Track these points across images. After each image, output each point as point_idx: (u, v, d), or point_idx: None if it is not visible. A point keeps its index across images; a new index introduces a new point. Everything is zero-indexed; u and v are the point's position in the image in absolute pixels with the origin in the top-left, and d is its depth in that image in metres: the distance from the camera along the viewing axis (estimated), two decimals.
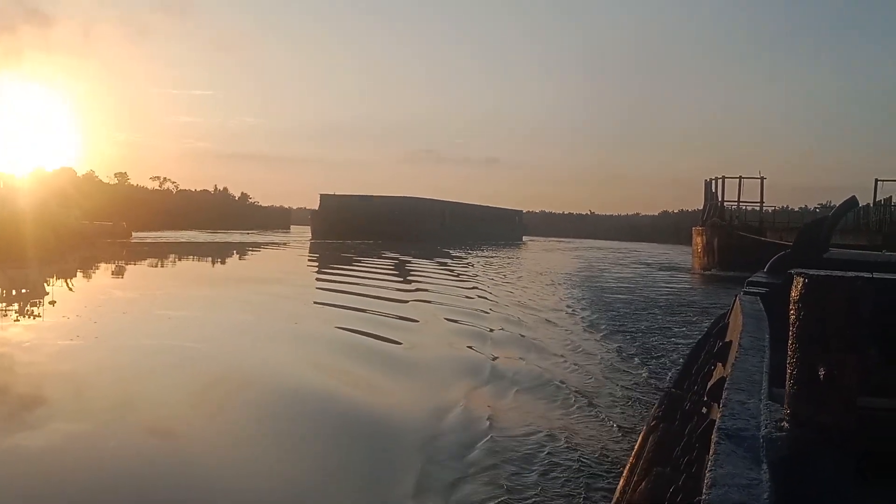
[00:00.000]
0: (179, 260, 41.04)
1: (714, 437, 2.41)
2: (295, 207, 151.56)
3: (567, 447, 7.81)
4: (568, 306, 22.20)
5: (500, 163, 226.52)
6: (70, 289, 22.55)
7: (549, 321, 18.63)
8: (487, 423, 8.63)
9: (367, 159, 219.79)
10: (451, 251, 61.88)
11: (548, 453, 7.62)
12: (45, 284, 23.00)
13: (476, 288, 27.45)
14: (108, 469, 6.76)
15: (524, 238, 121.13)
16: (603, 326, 17.54)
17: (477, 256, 56.51)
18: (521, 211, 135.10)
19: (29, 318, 16.04)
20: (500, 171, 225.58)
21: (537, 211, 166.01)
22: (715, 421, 2.68)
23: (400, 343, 14.22)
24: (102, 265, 33.45)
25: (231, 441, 7.77)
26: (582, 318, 19.35)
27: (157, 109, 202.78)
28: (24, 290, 21.73)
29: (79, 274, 28.80)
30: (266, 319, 17.49)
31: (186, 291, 23.91)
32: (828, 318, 2.52)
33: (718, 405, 2.91)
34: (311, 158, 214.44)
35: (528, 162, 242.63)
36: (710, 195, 43.79)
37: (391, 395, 10.13)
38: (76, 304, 18.25)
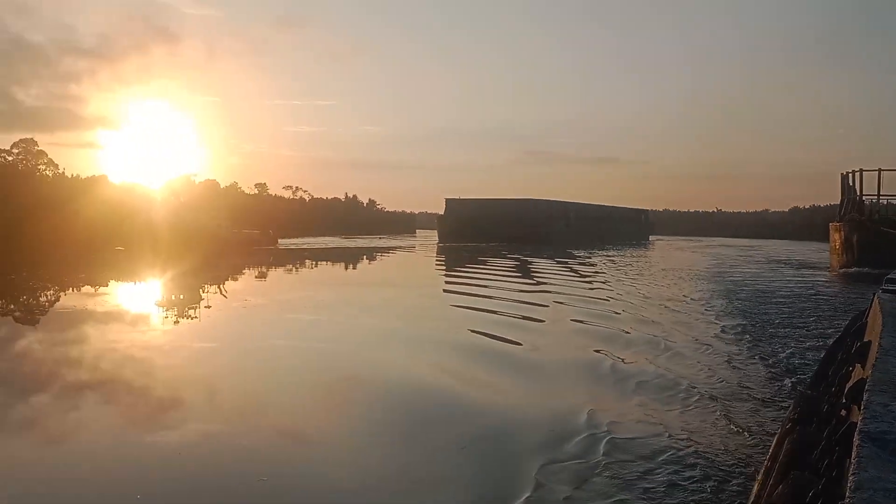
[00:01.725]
0: (319, 265, 42.51)
1: (856, 441, 2.33)
2: (417, 212, 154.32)
3: (695, 450, 7.55)
4: (701, 306, 21.46)
5: (619, 161, 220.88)
6: (224, 295, 23.51)
7: (681, 321, 18.04)
8: (609, 426, 8.42)
9: (483, 162, 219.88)
10: (576, 252, 61.16)
11: (674, 456, 7.39)
12: (200, 290, 24.51)
13: (603, 288, 27.02)
14: (240, 468, 6.99)
15: (650, 238, 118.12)
16: (736, 327, 16.86)
17: (603, 257, 55.58)
18: (647, 210, 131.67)
19: (175, 322, 17.11)
20: (619, 170, 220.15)
21: (660, 209, 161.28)
22: (856, 423, 2.58)
23: (521, 344, 14.13)
24: (254, 271, 34.99)
25: (355, 441, 7.91)
26: (715, 317, 18.61)
27: (281, 120, 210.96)
28: (180, 296, 23.21)
29: (232, 280, 30.27)
30: (394, 321, 17.79)
31: (324, 294, 24.65)
32: None
33: (859, 407, 2.80)
34: (428, 163, 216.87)
35: (648, 160, 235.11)
36: (847, 189, 41.15)
37: (512, 397, 10.04)
38: (225, 308, 19.31)
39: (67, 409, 9.17)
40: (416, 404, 9.61)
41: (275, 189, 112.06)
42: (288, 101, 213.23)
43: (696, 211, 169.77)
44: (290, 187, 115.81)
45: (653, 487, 6.59)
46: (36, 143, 63.09)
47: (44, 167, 62.71)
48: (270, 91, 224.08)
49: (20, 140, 62.72)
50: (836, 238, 40.36)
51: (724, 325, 17.08)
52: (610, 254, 61.26)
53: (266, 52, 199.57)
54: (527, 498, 6.33)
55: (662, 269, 41.24)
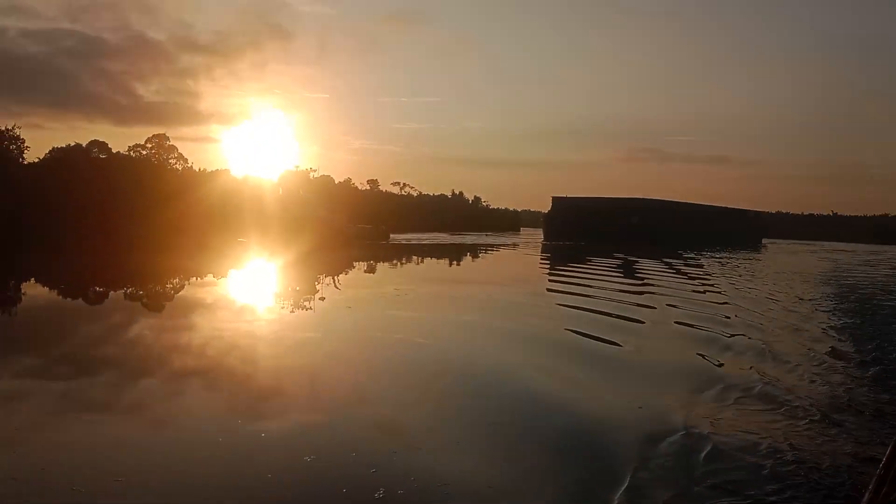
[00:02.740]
0: (427, 260, 42.97)
1: None
2: (520, 209, 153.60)
3: (796, 460, 7.21)
4: (814, 311, 20.51)
5: (730, 161, 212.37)
6: (337, 287, 24.01)
7: (791, 326, 17.31)
8: (708, 431, 8.14)
9: (590, 159, 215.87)
10: (685, 253, 59.46)
11: (776, 464, 7.09)
12: (316, 282, 25.30)
13: (710, 291, 26.21)
14: (339, 459, 7.05)
15: (763, 241, 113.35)
16: (850, 335, 16.06)
17: (712, 259, 53.84)
18: (760, 212, 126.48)
19: (287, 312, 17.69)
20: (729, 170, 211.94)
21: (773, 211, 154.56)
22: None
23: (620, 345, 13.86)
24: (368, 265, 35.61)
25: (451, 436, 7.93)
26: (828, 324, 17.75)
27: (389, 117, 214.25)
28: (297, 288, 24.06)
29: (347, 272, 30.95)
30: (495, 318, 17.69)
31: (430, 289, 24.79)
32: None
33: None
34: (533, 161, 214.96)
35: (761, 160, 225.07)
36: None
37: (608, 398, 9.84)
38: (340, 300, 19.80)
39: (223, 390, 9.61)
40: (512, 401, 9.52)
41: (383, 185, 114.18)
42: (395, 98, 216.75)
43: (810, 214, 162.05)
44: (398, 183, 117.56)
45: (754, 495, 6.37)
46: (167, 138, 66.58)
47: (174, 161, 66.18)
48: (379, 87, 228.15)
49: (153, 135, 66.32)
50: None
51: (837, 333, 16.28)
52: (720, 256, 59.26)
53: (375, 48, 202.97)
54: (621, 496, 6.27)
55: (775, 272, 39.60)
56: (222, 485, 6.27)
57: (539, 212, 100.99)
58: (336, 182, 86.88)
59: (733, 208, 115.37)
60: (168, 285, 23.98)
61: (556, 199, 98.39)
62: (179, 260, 32.52)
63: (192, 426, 8.00)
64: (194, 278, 26.30)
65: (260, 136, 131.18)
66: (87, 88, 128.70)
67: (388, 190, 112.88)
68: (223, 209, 53.43)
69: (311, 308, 17.83)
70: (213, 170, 66.98)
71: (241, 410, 8.48)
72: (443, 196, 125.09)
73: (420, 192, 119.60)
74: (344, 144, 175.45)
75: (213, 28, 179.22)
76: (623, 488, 6.43)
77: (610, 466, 7.02)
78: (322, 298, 19.53)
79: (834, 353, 13.72)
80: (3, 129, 54.77)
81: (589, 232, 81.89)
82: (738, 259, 56.17)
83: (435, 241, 63.83)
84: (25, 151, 56.56)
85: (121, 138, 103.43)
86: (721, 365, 12.22)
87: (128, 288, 22.93)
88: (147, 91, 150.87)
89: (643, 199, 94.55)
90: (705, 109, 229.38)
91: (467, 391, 10.05)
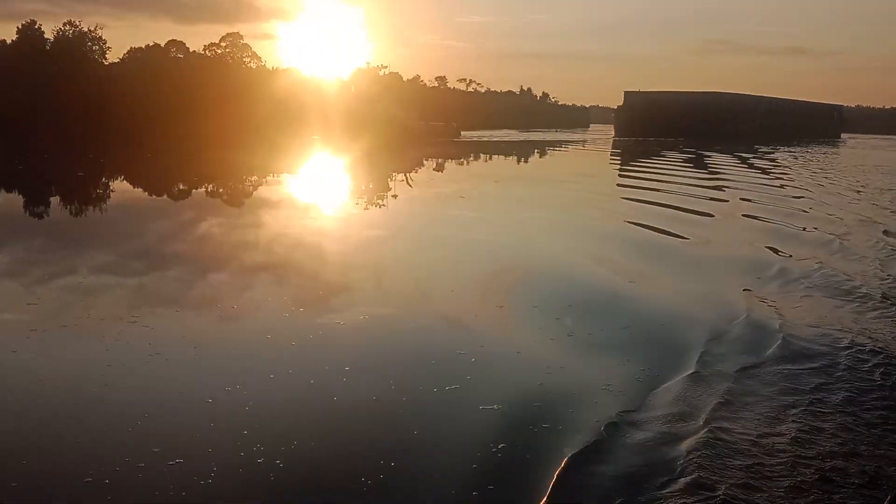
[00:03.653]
0: (499, 157, 42.60)
1: None
2: (588, 105, 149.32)
3: (872, 349, 7.03)
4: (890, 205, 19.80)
5: (807, 53, 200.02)
6: (409, 185, 23.99)
7: (868, 220, 16.70)
8: (776, 323, 7.92)
9: (661, 52, 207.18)
10: (760, 147, 57.45)
11: (850, 352, 6.93)
12: (388, 179, 25.47)
13: (787, 186, 25.40)
14: (406, 345, 7.19)
15: (842, 136, 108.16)
16: None
17: (788, 153, 51.91)
18: (841, 106, 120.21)
19: (356, 209, 17.90)
20: (809, 62, 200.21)
21: (853, 106, 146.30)
22: None
23: (688, 238, 13.62)
24: (436, 161, 35.47)
25: (513, 327, 7.93)
26: None
27: (453, 10, 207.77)
28: (371, 185, 24.32)
29: (417, 170, 30.83)
30: (561, 214, 17.64)
31: (499, 187, 24.70)
32: None
33: None
34: (600, 54, 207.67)
35: (840, 50, 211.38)
36: None
37: (672, 289, 9.72)
38: (406, 197, 19.86)
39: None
40: (576, 293, 9.45)
41: (451, 81, 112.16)
42: None
43: (893, 107, 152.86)
44: (465, 80, 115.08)
45: (823, 383, 6.20)
46: (241, 37, 66.36)
47: (248, 59, 66.32)
48: None
49: (227, 34, 66.16)
50: None
51: None
52: (796, 150, 57.06)
53: None
54: (691, 374, 6.29)
55: (853, 167, 38.08)
56: (295, 374, 6.30)
57: (608, 107, 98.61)
58: (404, 79, 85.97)
59: (813, 102, 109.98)
60: (253, 182, 24.44)
61: (628, 94, 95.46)
62: (258, 158, 32.97)
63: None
64: (275, 175, 26.84)
65: (322, 32, 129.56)
66: None
67: (456, 87, 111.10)
68: (295, 107, 53.75)
69: (384, 205, 17.96)
70: (284, 68, 66.95)
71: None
72: (511, 93, 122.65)
73: (488, 89, 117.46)
74: (410, 40, 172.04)
75: None
76: (691, 366, 6.45)
77: (680, 349, 7.01)
78: (395, 196, 19.65)
79: None
80: (86, 29, 55.62)
81: (662, 127, 79.52)
82: (814, 153, 53.98)
83: (505, 139, 63.14)
84: (108, 52, 57.57)
85: (183, 36, 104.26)
86: (790, 257, 11.97)
87: (210, 185, 23.42)
88: None
89: (717, 92, 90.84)
90: None
91: (527, 284, 9.93)
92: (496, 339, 7.49)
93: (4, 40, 55.11)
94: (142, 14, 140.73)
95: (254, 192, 21.62)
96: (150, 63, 57.13)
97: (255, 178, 25.72)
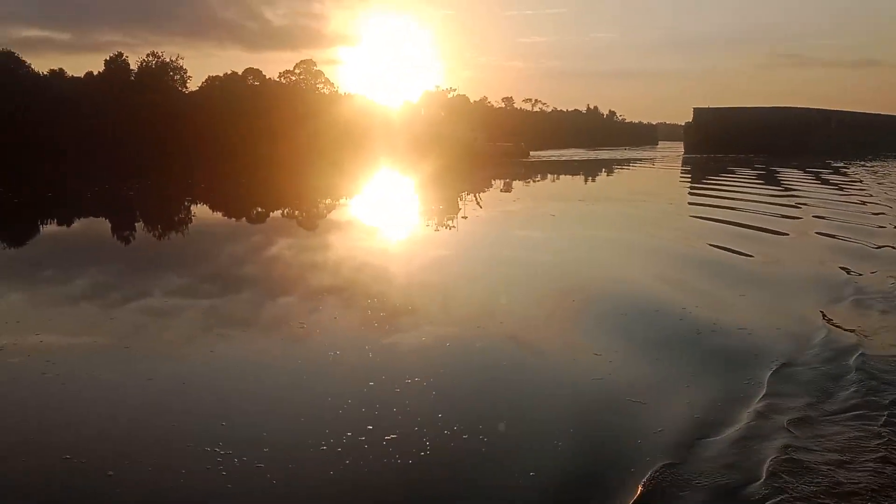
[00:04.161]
0: (567, 177, 42.28)
1: None
2: (655, 122, 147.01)
3: None
4: None
5: (880, 64, 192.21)
6: (479, 205, 24.02)
7: None
8: (856, 343, 7.76)
9: (725, 68, 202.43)
10: (833, 162, 55.66)
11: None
12: (458, 200, 25.66)
13: (865, 203, 24.59)
14: (472, 365, 7.28)
15: None
16: None
17: (863, 168, 50.12)
18: None
19: (436, 230, 17.88)
20: (882, 74, 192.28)
21: None
22: None
23: (758, 258, 13.34)
24: (506, 182, 35.62)
25: (579, 348, 7.93)
26: None
27: (514, 31, 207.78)
28: (440, 206, 24.54)
29: (489, 191, 30.96)
30: (630, 233, 17.37)
31: (572, 207, 24.43)
32: None
33: None
34: (667, 71, 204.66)
35: None
36: None
37: (740, 311, 9.43)
38: (480, 217, 20.01)
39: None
40: (643, 314, 9.32)
41: (516, 102, 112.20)
42: (520, 12, 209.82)
43: None
44: (530, 100, 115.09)
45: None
46: (314, 63, 68.38)
47: (322, 85, 68.07)
48: (502, 2, 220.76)
49: (301, 61, 68.20)
50: None
51: None
52: (871, 165, 55.03)
53: None
54: (762, 403, 6.15)
55: None
56: (360, 396, 6.36)
57: (675, 124, 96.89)
58: (472, 101, 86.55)
59: (886, 115, 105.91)
60: (326, 205, 24.95)
61: (697, 111, 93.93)
62: (339, 181, 33.75)
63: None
64: (348, 198, 27.48)
65: (385, 56, 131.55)
66: (219, 15, 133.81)
67: (522, 107, 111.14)
68: (367, 131, 54.82)
69: (454, 227, 17.97)
70: (354, 93, 68.43)
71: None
72: (577, 111, 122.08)
73: (554, 108, 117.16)
74: (470, 61, 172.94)
75: None
76: (761, 394, 6.34)
77: (748, 374, 6.91)
78: (464, 217, 19.73)
79: None
80: (168, 59, 58.16)
81: (731, 143, 77.91)
82: (891, 168, 51.96)
83: (573, 158, 62.81)
84: (188, 81, 59.97)
85: (251, 63, 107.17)
86: (862, 276, 11.60)
87: (289, 209, 23.85)
88: (274, 15, 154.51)
89: (787, 108, 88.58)
90: (853, 8, 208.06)
91: (592, 306, 9.86)
92: (561, 359, 7.56)
93: (91, 72, 58.14)
94: (211, 43, 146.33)
95: (343, 215, 22.02)
96: (229, 90, 59.20)
97: (340, 200, 26.45)
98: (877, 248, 14.57)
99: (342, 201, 26.59)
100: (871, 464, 4.95)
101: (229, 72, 63.89)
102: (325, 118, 54.26)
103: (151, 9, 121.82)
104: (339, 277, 11.81)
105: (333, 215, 21.77)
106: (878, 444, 5.28)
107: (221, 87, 60.75)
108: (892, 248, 14.54)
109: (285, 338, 8.22)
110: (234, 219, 21.92)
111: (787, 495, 4.52)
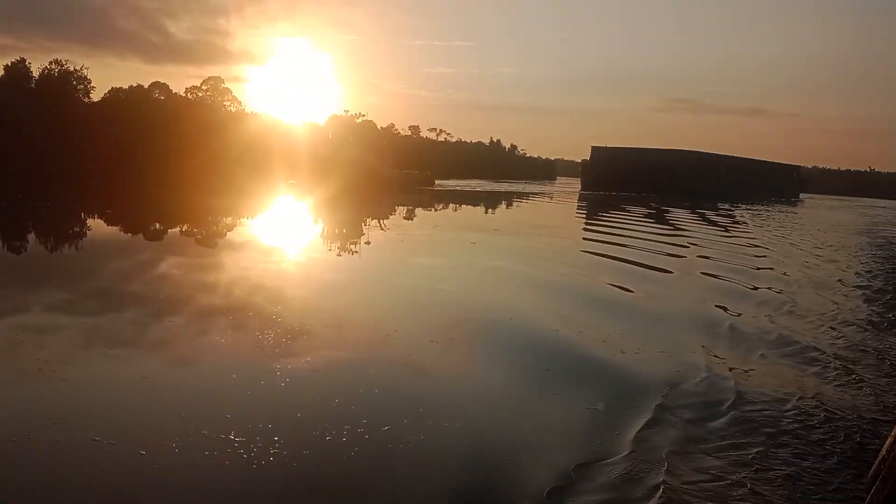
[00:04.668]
0: (471, 207, 42.40)
1: None
2: (554, 158, 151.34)
3: (818, 405, 7.25)
4: (853, 272, 20.01)
5: (766, 113, 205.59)
6: (382, 228, 24.06)
7: (821, 282, 17.07)
8: (733, 384, 8.07)
9: (625, 108, 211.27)
10: (721, 205, 58.68)
11: (800, 416, 7.06)
12: (362, 225, 25.47)
13: (744, 244, 25.99)
14: (363, 391, 7.15)
15: (801, 195, 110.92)
16: (882, 290, 15.95)
17: (748, 211, 53.04)
18: (799, 167, 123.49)
19: (320, 254, 17.73)
20: (764, 123, 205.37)
21: (809, 166, 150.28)
22: None
23: (641, 294, 13.74)
24: (410, 209, 35.47)
25: (467, 376, 8.05)
26: (865, 283, 17.45)
27: (420, 61, 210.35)
28: (343, 230, 24.32)
29: (392, 217, 30.57)
30: (525, 265, 17.60)
31: (470, 236, 24.28)
32: None
33: None
34: (565, 108, 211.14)
35: (797, 112, 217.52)
36: None
37: (620, 346, 9.65)
38: (383, 243, 19.82)
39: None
40: (529, 346, 9.54)
41: (422, 131, 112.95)
42: (427, 42, 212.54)
43: (847, 169, 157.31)
44: (435, 129, 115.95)
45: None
46: (222, 81, 66.93)
47: (228, 103, 66.59)
48: (410, 30, 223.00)
49: (209, 78, 66.65)
50: None
51: (865, 290, 16.13)
52: (756, 209, 58.33)
53: None
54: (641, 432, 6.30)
55: (811, 227, 39.10)
56: (248, 420, 6.27)
57: (573, 160, 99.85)
58: (379, 127, 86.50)
59: (773, 162, 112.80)
60: (226, 224, 24.34)
61: (594, 149, 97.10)
62: (242, 201, 32.99)
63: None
64: (250, 218, 26.82)
65: (290, 77, 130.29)
66: (119, 25, 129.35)
67: (427, 136, 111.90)
68: (273, 151, 53.85)
69: (356, 252, 17.87)
70: (261, 112, 67.27)
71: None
72: (480, 143, 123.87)
73: (459, 139, 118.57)
74: (377, 88, 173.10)
75: None
76: (639, 427, 6.52)
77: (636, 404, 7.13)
78: (368, 242, 19.63)
79: (858, 309, 13.59)
80: (72, 68, 55.67)
81: (628, 183, 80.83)
82: (774, 213, 55.22)
83: (476, 188, 63.63)
84: (92, 91, 57.47)
85: (152, 77, 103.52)
86: (738, 315, 12.16)
87: (185, 226, 23.30)
88: (178, 29, 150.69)
89: (681, 150, 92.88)
90: (744, 60, 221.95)
91: (482, 335, 9.96)
92: (451, 387, 7.61)
93: None
94: (111, 52, 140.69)
95: (244, 235, 21.42)
96: (134, 103, 57.04)
97: (242, 219, 25.84)
98: (754, 289, 15.33)
99: (244, 220, 25.96)
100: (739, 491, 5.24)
101: (134, 84, 61.67)
102: (231, 136, 52.98)
103: (48, 13, 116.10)
104: (231, 298, 11.43)
105: (233, 235, 21.18)
106: (746, 475, 5.60)
107: (126, 100, 58.47)
108: (769, 289, 15.30)
109: (168, 360, 7.92)
110: (129, 234, 21.02)
111: None
